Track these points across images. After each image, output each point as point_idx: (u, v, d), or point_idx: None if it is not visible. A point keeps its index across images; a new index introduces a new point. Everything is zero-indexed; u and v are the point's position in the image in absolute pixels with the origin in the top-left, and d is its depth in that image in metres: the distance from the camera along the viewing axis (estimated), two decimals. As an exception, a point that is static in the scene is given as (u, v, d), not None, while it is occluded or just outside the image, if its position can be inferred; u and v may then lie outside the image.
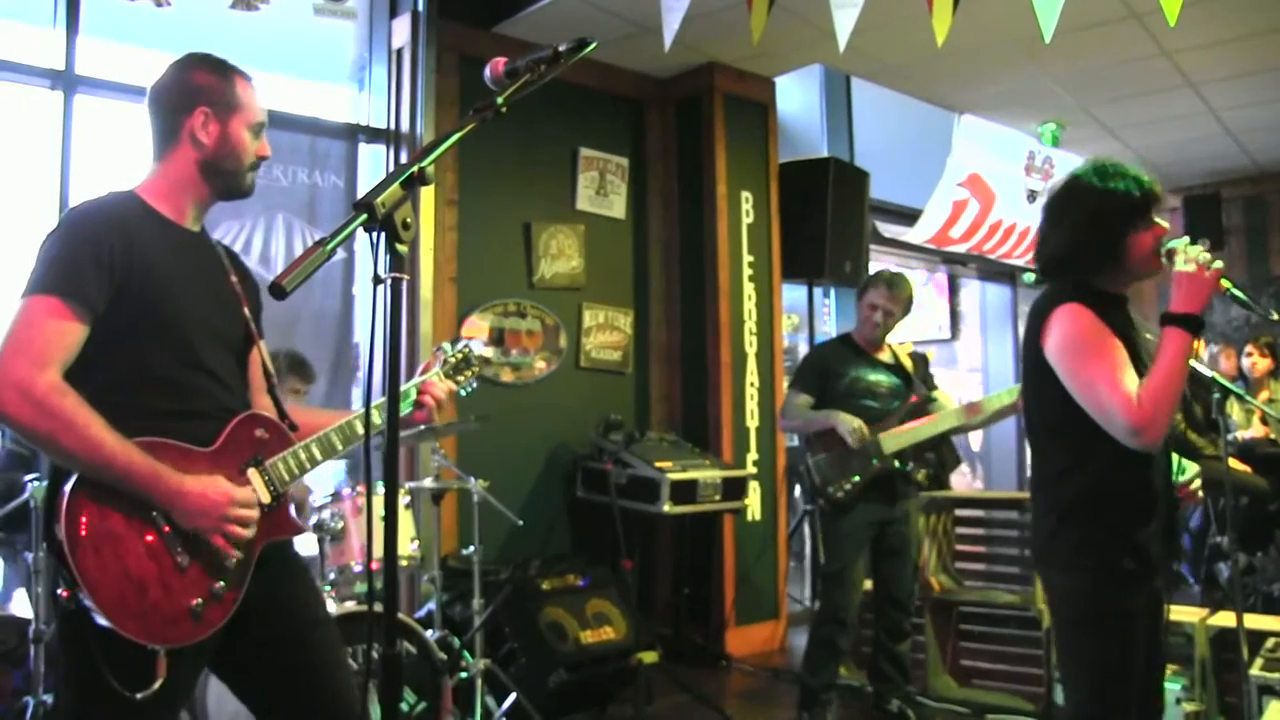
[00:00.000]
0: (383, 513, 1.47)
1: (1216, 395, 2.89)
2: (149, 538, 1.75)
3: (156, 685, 1.73)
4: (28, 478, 3.35)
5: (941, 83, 5.99)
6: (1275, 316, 2.39)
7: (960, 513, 4.83)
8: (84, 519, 1.70)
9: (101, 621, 1.68)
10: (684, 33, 4.19)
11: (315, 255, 1.36)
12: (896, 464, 3.88)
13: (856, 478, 3.85)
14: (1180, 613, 3.91)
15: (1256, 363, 6.31)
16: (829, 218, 5.63)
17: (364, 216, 1.38)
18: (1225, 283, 2.18)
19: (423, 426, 2.99)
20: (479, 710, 3.59)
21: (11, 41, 4.04)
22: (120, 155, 4.16)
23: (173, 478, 1.76)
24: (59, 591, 1.72)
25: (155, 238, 1.88)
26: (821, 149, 6.74)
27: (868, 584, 4.13)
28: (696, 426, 5.50)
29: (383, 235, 1.39)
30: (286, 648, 1.96)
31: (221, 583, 1.82)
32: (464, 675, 3.63)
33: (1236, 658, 3.23)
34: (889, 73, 5.88)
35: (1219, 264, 2.15)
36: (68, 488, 1.71)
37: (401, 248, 1.39)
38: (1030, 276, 8.32)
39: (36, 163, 3.98)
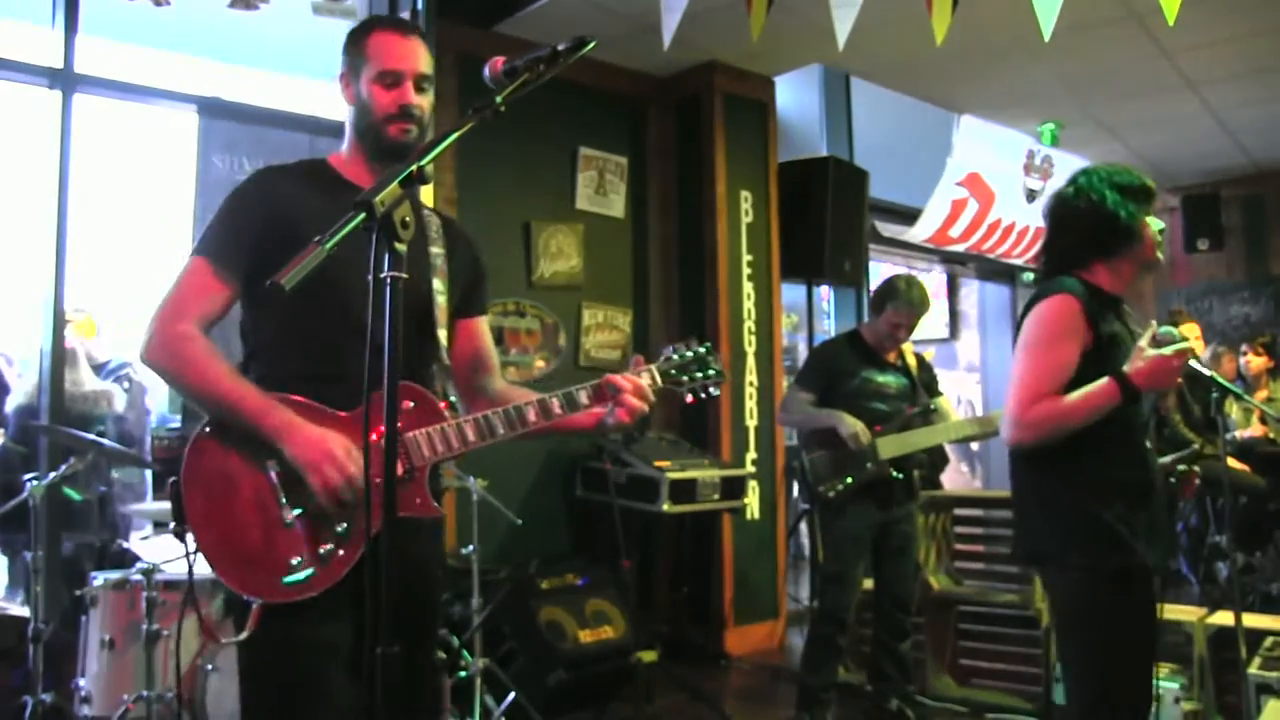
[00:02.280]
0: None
1: (1215, 395, 2.89)
2: (260, 487, 1.74)
3: (243, 636, 1.71)
4: (27, 477, 3.36)
5: (940, 82, 6.00)
6: (1229, 385, 2.45)
7: (959, 512, 4.83)
8: (203, 461, 1.75)
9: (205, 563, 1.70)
10: (683, 32, 4.18)
11: (314, 254, 1.36)
12: (893, 471, 3.87)
13: (850, 479, 3.85)
14: (1179, 612, 3.91)
15: (1252, 361, 6.32)
16: (828, 217, 5.63)
17: (362, 215, 1.37)
18: (1193, 362, 2.22)
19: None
20: (478, 709, 3.59)
21: (10, 40, 4.04)
22: (120, 154, 4.17)
23: (284, 413, 1.74)
24: (171, 526, 1.75)
25: (332, 202, 1.79)
26: (821, 148, 6.73)
27: (867, 583, 4.13)
28: (695, 426, 5.50)
29: (381, 234, 1.39)
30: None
31: (329, 545, 1.75)
32: (463, 674, 3.63)
33: (1235, 657, 3.23)
34: (888, 72, 5.88)
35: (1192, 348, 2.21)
36: (196, 430, 1.77)
37: (400, 246, 1.39)
38: (1029, 276, 8.33)
39: (35, 162, 3.98)
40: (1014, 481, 2.41)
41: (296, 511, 1.74)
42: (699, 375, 2.07)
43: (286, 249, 1.63)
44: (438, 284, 1.95)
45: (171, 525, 1.73)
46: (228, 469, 1.74)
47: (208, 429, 1.77)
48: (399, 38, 1.94)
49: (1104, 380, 2.16)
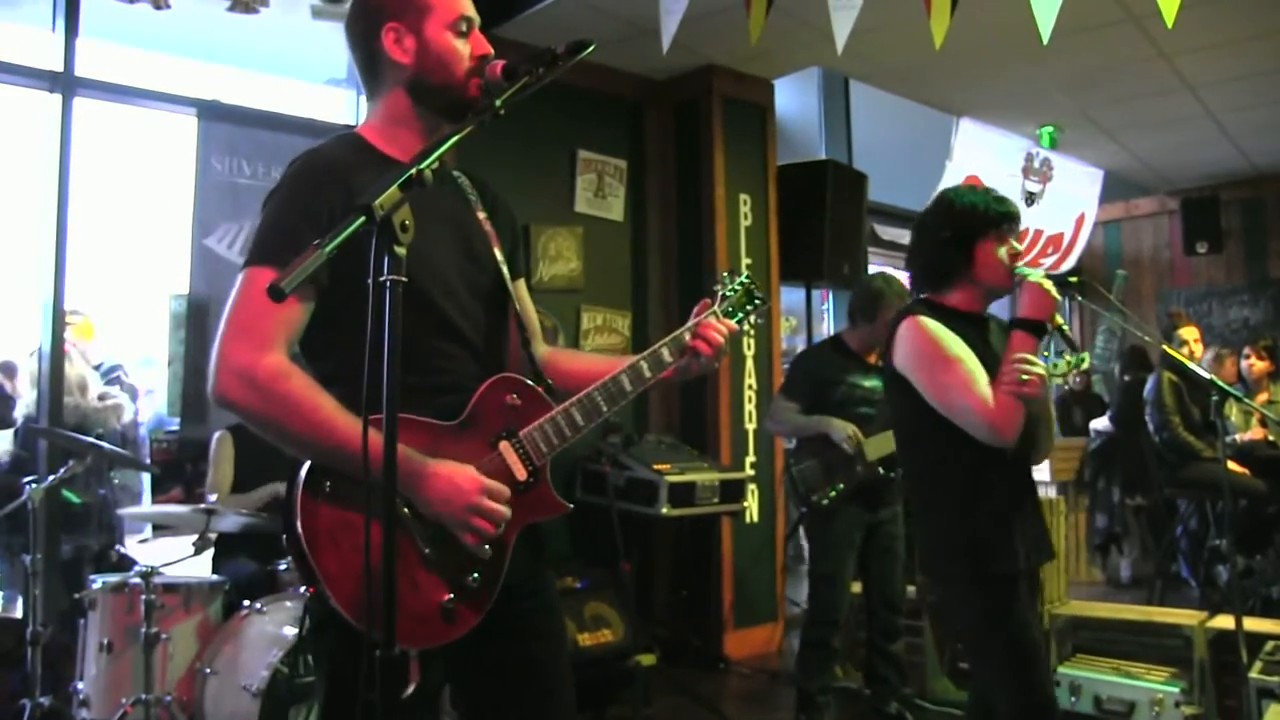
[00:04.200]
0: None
1: (1215, 398, 2.89)
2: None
3: (410, 691, 1.52)
4: (26, 480, 3.36)
5: (939, 85, 6.00)
6: (1079, 355, 2.50)
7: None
8: (320, 511, 1.55)
9: (349, 621, 1.52)
10: (682, 35, 4.19)
11: (313, 258, 1.35)
12: (881, 470, 3.87)
13: (841, 485, 3.86)
14: (1179, 616, 3.92)
15: (1254, 365, 6.33)
16: (827, 220, 5.63)
17: (362, 219, 1.36)
18: (1059, 319, 2.31)
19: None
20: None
21: (11, 44, 4.05)
22: (120, 157, 4.17)
23: (413, 460, 1.55)
24: (304, 589, 1.58)
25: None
26: (820, 151, 6.75)
27: (855, 586, 4.13)
28: (695, 429, 5.50)
29: (381, 237, 1.38)
30: (526, 672, 1.73)
31: (475, 574, 1.61)
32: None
33: (1235, 661, 3.23)
34: (887, 75, 5.88)
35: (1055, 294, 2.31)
36: (301, 476, 1.56)
37: (400, 250, 1.38)
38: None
39: (36, 165, 3.98)
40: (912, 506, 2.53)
41: (437, 547, 1.60)
42: (748, 308, 1.99)
43: (365, 240, 1.46)
44: (498, 254, 1.77)
45: (302, 588, 1.59)
46: (348, 517, 1.55)
47: (311, 476, 1.56)
48: None
49: (1011, 338, 2.25)
